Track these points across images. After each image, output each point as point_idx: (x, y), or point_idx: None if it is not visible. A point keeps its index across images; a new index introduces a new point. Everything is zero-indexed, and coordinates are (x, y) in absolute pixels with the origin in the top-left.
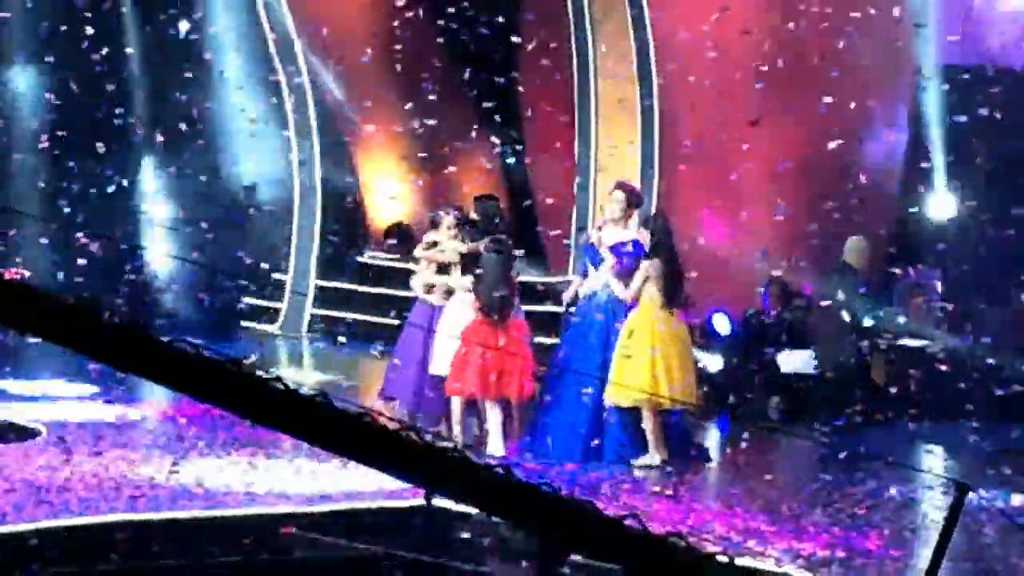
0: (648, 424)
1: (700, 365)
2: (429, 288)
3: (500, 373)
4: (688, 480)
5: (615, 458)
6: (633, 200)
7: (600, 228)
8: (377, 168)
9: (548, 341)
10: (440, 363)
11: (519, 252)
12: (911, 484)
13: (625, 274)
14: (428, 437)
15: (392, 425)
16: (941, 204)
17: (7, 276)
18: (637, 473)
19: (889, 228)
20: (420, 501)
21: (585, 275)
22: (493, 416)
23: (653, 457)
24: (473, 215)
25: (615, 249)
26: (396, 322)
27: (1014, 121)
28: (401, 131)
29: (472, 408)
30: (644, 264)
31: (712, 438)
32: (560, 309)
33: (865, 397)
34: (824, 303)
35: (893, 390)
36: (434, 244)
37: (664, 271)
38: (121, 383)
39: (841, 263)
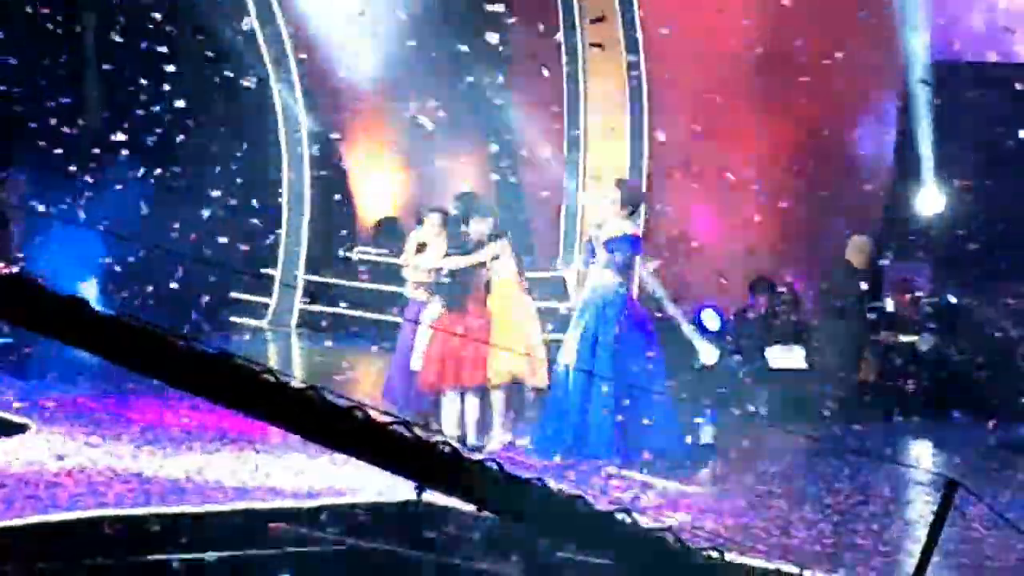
0: (500, 403)
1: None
2: (417, 286)
3: (458, 362)
4: (677, 475)
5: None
6: (625, 196)
7: (600, 226)
8: (366, 163)
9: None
10: (419, 359)
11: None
12: (900, 480)
13: (618, 267)
14: (419, 431)
15: (383, 419)
16: (930, 199)
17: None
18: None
19: (878, 223)
20: (411, 495)
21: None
22: (449, 406)
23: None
24: (453, 211)
25: (608, 243)
26: (386, 318)
27: (1001, 115)
28: (391, 127)
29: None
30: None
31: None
32: (553, 304)
33: (855, 392)
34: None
35: (882, 385)
36: (423, 245)
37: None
38: (110, 377)
39: (843, 261)
